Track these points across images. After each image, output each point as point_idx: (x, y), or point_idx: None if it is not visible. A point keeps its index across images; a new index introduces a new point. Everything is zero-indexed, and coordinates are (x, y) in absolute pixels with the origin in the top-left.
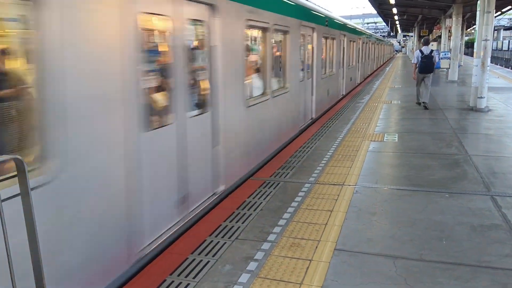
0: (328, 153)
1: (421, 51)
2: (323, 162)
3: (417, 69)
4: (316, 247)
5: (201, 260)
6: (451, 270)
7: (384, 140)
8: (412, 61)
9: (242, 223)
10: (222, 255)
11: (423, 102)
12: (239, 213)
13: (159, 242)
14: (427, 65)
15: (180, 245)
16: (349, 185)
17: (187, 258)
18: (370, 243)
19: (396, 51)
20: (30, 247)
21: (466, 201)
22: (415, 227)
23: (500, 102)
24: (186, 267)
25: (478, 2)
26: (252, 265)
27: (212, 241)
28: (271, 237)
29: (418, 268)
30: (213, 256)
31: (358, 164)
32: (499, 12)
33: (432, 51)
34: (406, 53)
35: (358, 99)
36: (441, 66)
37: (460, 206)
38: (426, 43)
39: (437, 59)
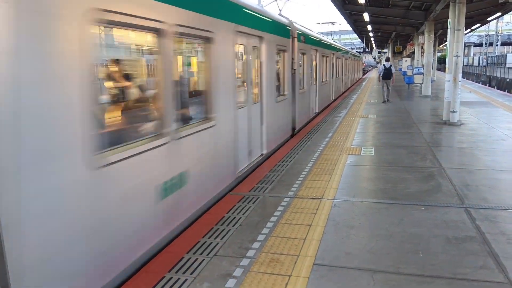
0: (307, 167)
1: (384, 65)
2: (302, 176)
3: (380, 76)
4: (295, 262)
5: (178, 279)
6: (427, 283)
7: (361, 153)
8: (378, 72)
9: (221, 239)
10: (200, 272)
11: (387, 99)
12: (218, 228)
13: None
14: (387, 74)
15: (157, 263)
16: (328, 199)
17: (164, 277)
18: (349, 257)
19: (372, 66)
20: None
21: (441, 214)
22: (392, 240)
23: (472, 116)
24: (163, 287)
25: (449, 20)
26: (230, 282)
27: (190, 258)
28: (250, 253)
29: (396, 281)
30: (191, 274)
31: (336, 178)
32: (469, 30)
33: (391, 65)
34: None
35: (335, 113)
36: (415, 82)
37: (435, 218)
38: (387, 60)
39: (393, 70)
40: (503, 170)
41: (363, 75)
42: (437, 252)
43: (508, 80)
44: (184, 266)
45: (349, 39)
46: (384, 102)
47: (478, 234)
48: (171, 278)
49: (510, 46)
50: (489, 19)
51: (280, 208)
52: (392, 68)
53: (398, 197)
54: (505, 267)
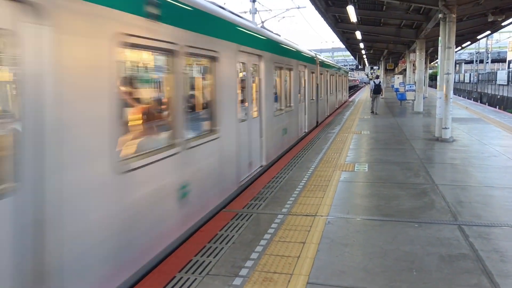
0: (301, 184)
1: (374, 82)
2: (295, 192)
3: (371, 92)
4: (289, 281)
5: None
6: None
7: (355, 170)
8: (370, 88)
9: (214, 257)
10: None
11: (376, 112)
12: (211, 247)
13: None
14: (376, 89)
15: (147, 283)
16: (322, 216)
17: None
18: (343, 275)
19: (365, 82)
20: None
21: (435, 231)
22: (386, 258)
23: (464, 132)
24: None
25: (439, 38)
26: None
27: (182, 277)
28: (243, 271)
29: None
30: None
31: (330, 194)
32: (459, 47)
33: (380, 81)
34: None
35: (329, 129)
36: (407, 98)
37: (428, 236)
38: (377, 78)
39: (383, 86)
40: (496, 187)
41: (351, 95)
42: (431, 270)
43: (499, 96)
44: (176, 286)
45: (342, 56)
46: (372, 112)
47: (471, 252)
48: None
49: (500, 63)
50: (479, 37)
51: (273, 225)
52: (381, 84)
53: (392, 214)
54: (499, 285)
